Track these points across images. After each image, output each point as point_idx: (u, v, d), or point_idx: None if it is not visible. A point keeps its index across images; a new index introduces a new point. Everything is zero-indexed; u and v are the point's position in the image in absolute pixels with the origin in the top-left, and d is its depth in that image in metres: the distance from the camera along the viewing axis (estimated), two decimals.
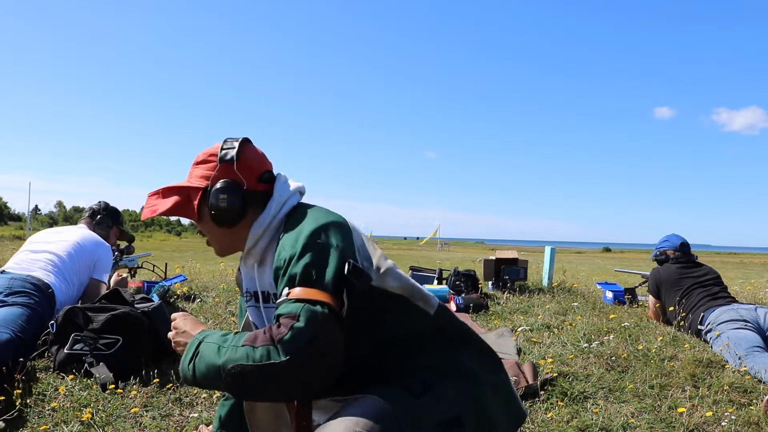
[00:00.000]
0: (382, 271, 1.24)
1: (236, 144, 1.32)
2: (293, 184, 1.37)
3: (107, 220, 3.23)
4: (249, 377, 1.07)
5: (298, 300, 1.10)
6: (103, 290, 2.79)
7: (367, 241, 1.28)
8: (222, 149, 1.32)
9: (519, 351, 2.59)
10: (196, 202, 1.32)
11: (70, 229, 3.03)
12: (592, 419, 1.81)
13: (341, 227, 1.22)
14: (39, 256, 2.72)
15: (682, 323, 3.16)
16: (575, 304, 3.88)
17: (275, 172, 1.38)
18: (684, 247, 3.63)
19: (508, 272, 4.45)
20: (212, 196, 1.28)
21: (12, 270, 2.58)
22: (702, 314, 3.02)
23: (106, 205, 3.29)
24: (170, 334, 1.28)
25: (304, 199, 1.39)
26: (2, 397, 1.79)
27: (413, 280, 1.30)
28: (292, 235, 1.20)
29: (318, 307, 1.09)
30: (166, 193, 1.35)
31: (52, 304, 2.48)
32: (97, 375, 1.96)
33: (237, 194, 1.28)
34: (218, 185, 1.29)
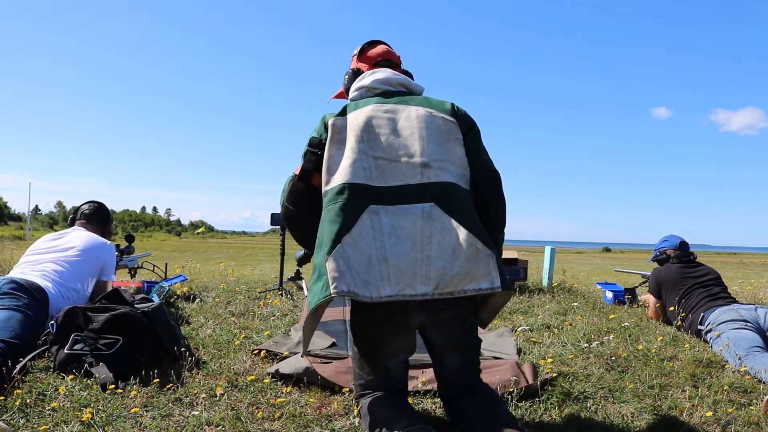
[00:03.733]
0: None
1: (363, 44, 2.10)
2: (358, 83, 1.96)
3: (105, 221, 3.24)
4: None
5: None
6: (110, 289, 2.80)
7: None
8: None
9: (519, 351, 2.59)
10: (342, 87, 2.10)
11: (72, 233, 3.02)
12: (592, 419, 1.81)
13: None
14: (40, 266, 2.72)
15: (681, 323, 3.16)
16: (575, 304, 3.88)
17: (370, 73, 1.97)
18: (684, 246, 3.64)
19: (508, 272, 4.45)
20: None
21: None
22: (702, 314, 3.02)
23: (101, 205, 3.29)
24: None
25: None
26: (2, 397, 1.79)
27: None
28: None
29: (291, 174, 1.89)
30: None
31: (44, 307, 2.47)
32: (97, 375, 1.96)
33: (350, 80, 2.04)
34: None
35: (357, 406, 1.79)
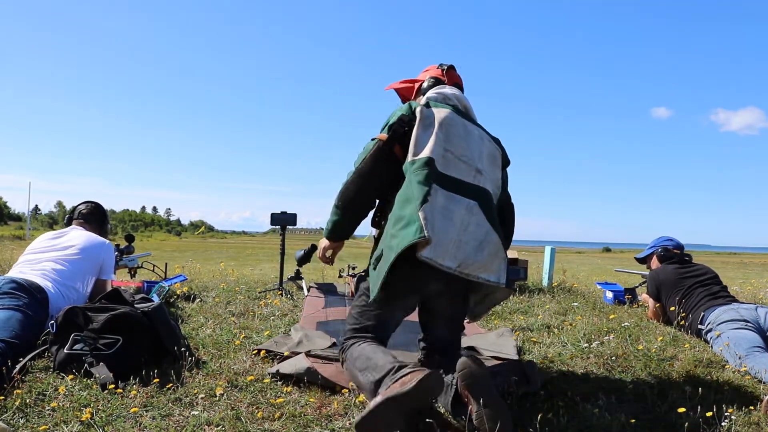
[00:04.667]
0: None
1: (451, 63, 2.46)
2: (440, 89, 2.30)
3: (102, 221, 3.24)
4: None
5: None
6: (110, 288, 2.80)
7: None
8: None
9: (519, 351, 2.59)
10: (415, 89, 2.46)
11: (70, 233, 3.02)
12: (592, 419, 1.81)
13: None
14: (39, 265, 2.72)
15: (682, 323, 3.16)
16: (575, 304, 3.88)
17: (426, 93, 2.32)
18: (679, 247, 3.66)
19: (508, 272, 4.44)
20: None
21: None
22: (702, 314, 3.02)
23: (98, 205, 3.30)
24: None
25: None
26: (2, 397, 1.79)
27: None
28: None
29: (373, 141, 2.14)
30: (402, 82, 2.50)
31: (44, 307, 2.47)
32: (97, 375, 1.96)
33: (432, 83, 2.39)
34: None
35: (343, 352, 2.04)
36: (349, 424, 1.75)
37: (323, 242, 2.30)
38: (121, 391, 1.89)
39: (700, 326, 3.00)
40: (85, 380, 1.97)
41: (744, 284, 6.46)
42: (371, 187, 2.14)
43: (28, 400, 1.79)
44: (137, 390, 1.91)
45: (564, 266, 6.85)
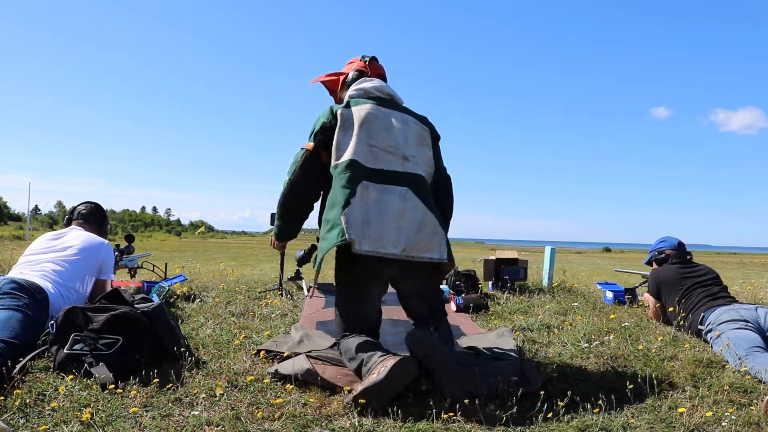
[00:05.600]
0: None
1: (373, 55, 2.60)
2: (359, 85, 2.46)
3: (101, 221, 3.24)
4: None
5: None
6: (110, 288, 2.80)
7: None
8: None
9: (519, 351, 2.59)
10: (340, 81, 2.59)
11: (70, 233, 3.02)
12: (592, 419, 1.81)
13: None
14: (39, 266, 2.72)
15: (682, 323, 3.15)
16: (575, 304, 3.88)
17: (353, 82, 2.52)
18: (681, 246, 3.64)
19: (508, 272, 4.44)
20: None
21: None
22: (702, 314, 3.02)
23: (98, 206, 3.29)
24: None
25: None
26: (2, 397, 1.79)
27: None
28: None
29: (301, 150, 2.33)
30: (328, 75, 2.62)
31: (44, 307, 2.47)
32: (97, 375, 1.96)
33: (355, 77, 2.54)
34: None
35: (338, 348, 2.23)
36: (350, 424, 1.75)
37: (273, 240, 2.54)
38: (121, 391, 1.89)
39: (700, 326, 3.00)
40: (85, 380, 1.97)
41: (744, 284, 6.45)
42: (303, 195, 2.34)
43: (28, 400, 1.79)
44: (137, 390, 1.91)
45: (564, 266, 6.84)
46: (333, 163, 2.23)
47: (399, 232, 2.14)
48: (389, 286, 2.34)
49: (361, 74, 2.53)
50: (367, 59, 2.57)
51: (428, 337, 2.01)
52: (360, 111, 2.30)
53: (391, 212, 2.16)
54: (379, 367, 1.87)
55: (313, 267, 2.27)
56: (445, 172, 2.50)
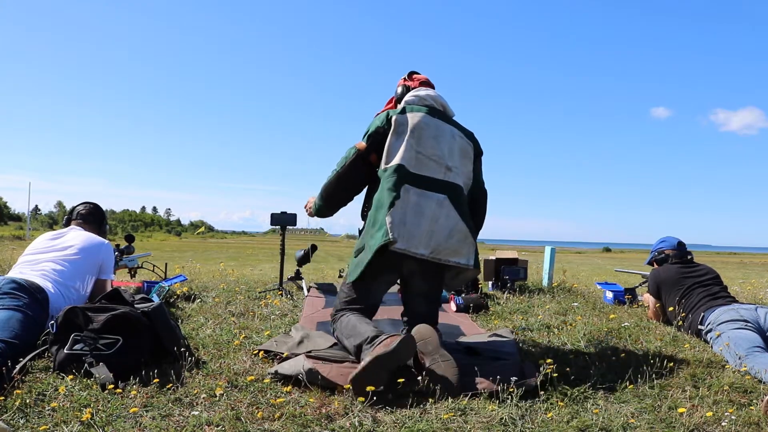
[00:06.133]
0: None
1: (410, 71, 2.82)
2: (414, 93, 2.63)
3: (100, 221, 3.24)
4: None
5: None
6: (110, 288, 2.80)
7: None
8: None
9: (519, 351, 2.59)
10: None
11: (69, 233, 3.02)
12: (592, 419, 1.81)
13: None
14: (39, 266, 2.72)
15: (682, 323, 3.15)
16: (575, 304, 3.88)
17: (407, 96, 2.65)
18: (681, 246, 3.64)
19: (508, 272, 4.44)
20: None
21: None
22: (702, 314, 3.02)
23: (97, 206, 3.29)
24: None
25: None
26: (2, 397, 1.79)
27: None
28: None
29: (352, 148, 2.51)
30: (387, 105, 2.82)
31: (44, 307, 2.47)
32: (97, 375, 1.96)
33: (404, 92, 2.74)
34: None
35: (334, 322, 2.43)
36: (350, 424, 1.75)
37: (309, 208, 2.77)
38: (121, 391, 1.89)
39: (699, 326, 3.00)
40: (85, 380, 1.97)
41: (744, 284, 6.45)
42: (347, 188, 2.58)
43: (28, 400, 1.79)
44: (137, 390, 1.91)
45: (564, 266, 6.84)
46: (383, 166, 2.41)
47: (431, 234, 2.32)
48: (397, 283, 2.55)
49: (407, 89, 2.72)
50: (406, 75, 2.80)
51: (431, 330, 2.20)
52: (414, 118, 2.46)
53: (426, 216, 2.33)
54: (388, 341, 2.05)
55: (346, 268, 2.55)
56: (483, 186, 2.64)
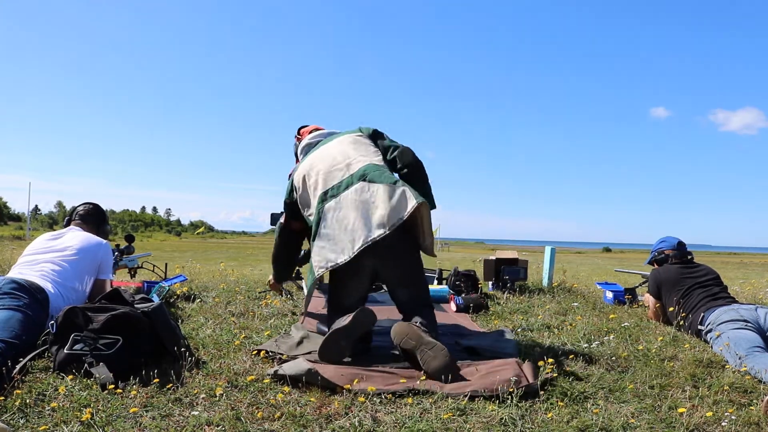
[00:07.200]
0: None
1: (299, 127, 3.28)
2: (303, 143, 3.08)
3: (99, 221, 3.24)
4: None
5: None
6: (109, 288, 2.80)
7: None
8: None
9: (519, 351, 2.59)
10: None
11: (68, 233, 3.02)
12: (592, 419, 1.81)
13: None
14: (38, 266, 2.72)
15: (682, 323, 3.15)
16: (575, 304, 3.88)
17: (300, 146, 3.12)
18: (681, 246, 3.64)
19: (508, 272, 4.44)
20: None
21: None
22: (702, 314, 3.02)
23: (96, 206, 3.29)
24: None
25: None
26: (2, 397, 1.79)
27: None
28: None
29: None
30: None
31: (44, 307, 2.47)
32: (97, 375, 1.96)
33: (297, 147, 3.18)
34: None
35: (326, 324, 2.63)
36: (350, 424, 1.75)
37: (272, 282, 3.55)
38: (121, 391, 1.89)
39: (699, 327, 3.00)
40: (85, 380, 1.97)
41: (744, 284, 6.45)
42: (288, 252, 3.12)
43: (28, 400, 1.79)
44: (137, 390, 1.91)
45: (564, 266, 6.84)
46: (306, 216, 2.75)
47: (375, 214, 2.46)
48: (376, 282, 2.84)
49: (297, 143, 3.15)
50: (296, 132, 3.24)
51: (407, 325, 2.32)
52: (304, 167, 2.78)
53: (358, 208, 2.50)
54: (347, 317, 2.34)
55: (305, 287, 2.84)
56: (396, 144, 2.82)
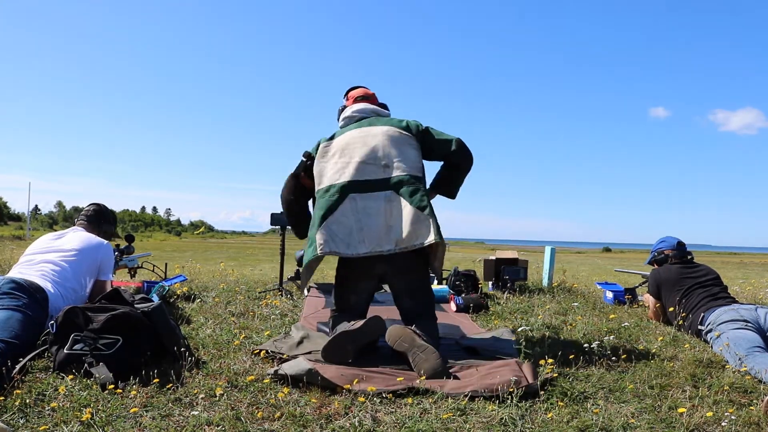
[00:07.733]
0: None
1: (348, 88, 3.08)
2: (344, 114, 2.88)
3: (100, 222, 3.23)
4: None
5: None
6: (109, 289, 2.79)
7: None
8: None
9: (519, 351, 2.59)
10: None
11: (69, 234, 3.02)
12: (592, 419, 1.81)
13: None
14: (38, 266, 2.72)
15: (682, 323, 3.15)
16: (575, 304, 3.88)
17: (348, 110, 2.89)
18: (681, 246, 3.64)
19: (508, 272, 4.44)
20: None
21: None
22: (702, 314, 3.02)
23: (99, 206, 3.29)
24: None
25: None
26: (2, 397, 1.79)
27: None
28: None
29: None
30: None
31: (43, 307, 2.47)
32: (97, 375, 1.96)
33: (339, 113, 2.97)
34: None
35: (328, 324, 2.68)
36: (350, 424, 1.75)
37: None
38: (121, 391, 1.89)
39: (700, 327, 3.00)
40: (85, 380, 1.97)
41: (744, 284, 6.45)
42: (296, 208, 2.85)
43: (28, 400, 1.79)
44: (137, 390, 1.91)
45: (564, 266, 6.84)
46: (316, 188, 2.67)
47: (389, 230, 2.47)
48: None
49: (344, 108, 2.93)
50: (345, 92, 3.05)
51: (401, 328, 2.37)
52: (341, 140, 2.70)
53: (380, 215, 2.50)
54: (357, 322, 2.38)
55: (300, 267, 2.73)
56: (448, 139, 2.71)
